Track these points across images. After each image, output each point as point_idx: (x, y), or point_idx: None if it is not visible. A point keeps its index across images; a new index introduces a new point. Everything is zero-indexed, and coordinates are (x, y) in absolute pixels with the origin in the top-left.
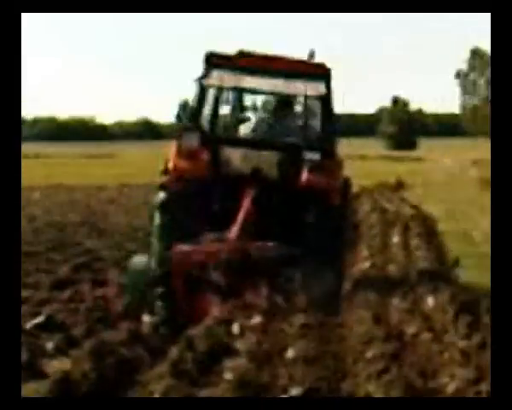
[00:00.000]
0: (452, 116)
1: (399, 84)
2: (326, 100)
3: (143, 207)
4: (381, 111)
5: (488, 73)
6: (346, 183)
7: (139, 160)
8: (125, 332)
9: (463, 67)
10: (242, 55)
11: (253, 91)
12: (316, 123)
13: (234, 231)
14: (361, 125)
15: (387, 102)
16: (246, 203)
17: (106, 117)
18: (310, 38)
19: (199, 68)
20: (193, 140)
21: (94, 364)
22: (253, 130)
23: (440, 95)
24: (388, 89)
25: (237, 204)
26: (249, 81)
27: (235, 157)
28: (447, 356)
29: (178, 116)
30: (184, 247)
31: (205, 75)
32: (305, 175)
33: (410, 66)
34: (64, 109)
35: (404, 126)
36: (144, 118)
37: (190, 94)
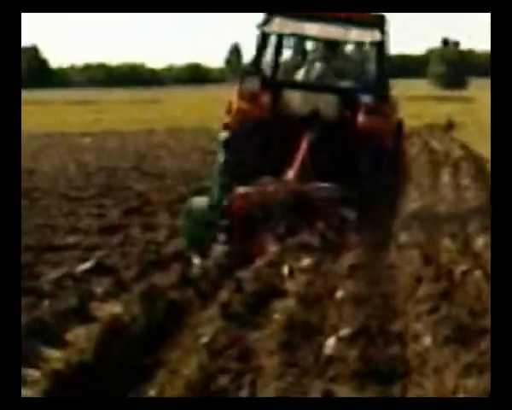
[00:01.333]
0: None
1: (450, 26)
2: (381, 46)
3: (193, 151)
4: (431, 52)
5: None
6: (400, 125)
7: (188, 104)
8: (175, 275)
9: None
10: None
11: (312, 38)
12: (370, 67)
13: (291, 173)
14: (411, 67)
15: (437, 44)
16: (303, 145)
17: (156, 62)
18: None
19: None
20: (254, 83)
21: (144, 307)
22: (310, 73)
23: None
24: (439, 30)
25: (296, 145)
26: (308, 28)
27: (295, 99)
28: None
29: (228, 61)
30: (243, 189)
31: (266, 22)
32: (361, 117)
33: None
34: (115, 55)
35: (454, 66)
36: (194, 62)
37: (240, 39)
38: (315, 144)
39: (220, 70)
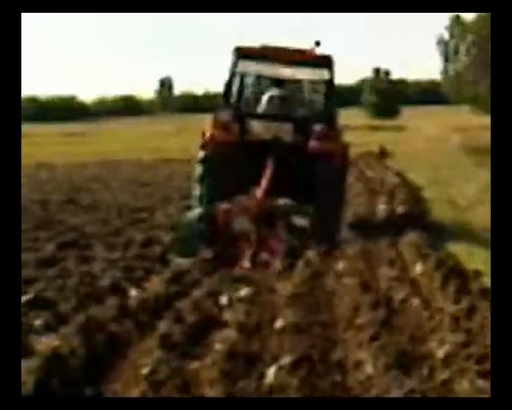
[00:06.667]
0: (434, 84)
1: (381, 55)
2: (329, 83)
3: (126, 183)
4: (363, 82)
5: (468, 39)
6: (345, 147)
7: (120, 138)
8: (112, 307)
9: (444, 33)
10: (263, 48)
11: (271, 78)
12: (319, 98)
13: (260, 192)
14: (343, 96)
15: (369, 73)
16: (269, 167)
17: (86, 95)
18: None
19: (179, 46)
20: (226, 115)
21: (83, 340)
22: (268, 105)
23: (422, 63)
24: (370, 60)
25: (261, 167)
26: (268, 69)
27: (259, 128)
28: (436, 321)
29: (160, 93)
30: (225, 205)
31: (235, 65)
32: (312, 142)
33: (391, 33)
34: (45, 89)
35: (386, 95)
36: (127, 94)
37: (170, 70)
38: (277, 166)
39: (150, 102)
